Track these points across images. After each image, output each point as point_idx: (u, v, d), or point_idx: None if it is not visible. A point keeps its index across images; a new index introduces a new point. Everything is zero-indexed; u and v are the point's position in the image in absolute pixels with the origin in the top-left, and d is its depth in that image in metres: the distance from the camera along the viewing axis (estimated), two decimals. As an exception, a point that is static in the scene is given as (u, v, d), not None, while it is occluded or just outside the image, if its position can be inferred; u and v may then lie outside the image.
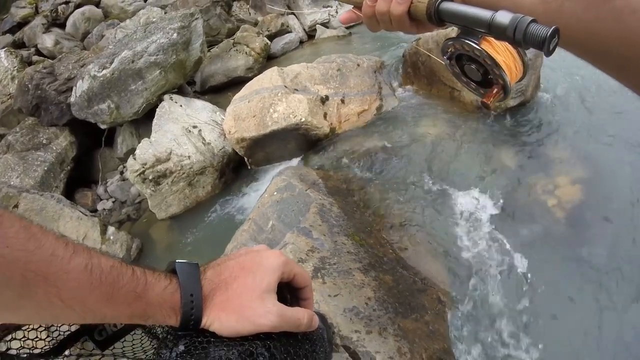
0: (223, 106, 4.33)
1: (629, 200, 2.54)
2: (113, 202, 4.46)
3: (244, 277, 0.54)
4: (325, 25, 7.65)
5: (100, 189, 4.68)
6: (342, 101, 3.67)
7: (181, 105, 4.22)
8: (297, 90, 3.64)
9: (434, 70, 3.83)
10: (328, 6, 7.82)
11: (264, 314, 0.52)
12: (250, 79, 5.07)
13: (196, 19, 4.80)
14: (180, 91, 4.84)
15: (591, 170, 2.80)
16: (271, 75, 3.78)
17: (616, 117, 3.31)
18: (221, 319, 0.52)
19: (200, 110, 4.21)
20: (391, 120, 3.62)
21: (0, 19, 8.99)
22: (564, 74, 4.04)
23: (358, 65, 4.02)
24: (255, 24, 7.62)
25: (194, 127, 3.88)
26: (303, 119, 3.40)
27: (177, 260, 0.54)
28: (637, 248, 2.31)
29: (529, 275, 2.28)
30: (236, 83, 5.64)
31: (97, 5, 8.55)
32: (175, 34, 4.45)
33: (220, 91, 5.77)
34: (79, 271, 0.45)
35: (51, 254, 0.44)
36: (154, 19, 6.10)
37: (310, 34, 7.63)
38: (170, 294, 0.50)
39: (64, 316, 0.49)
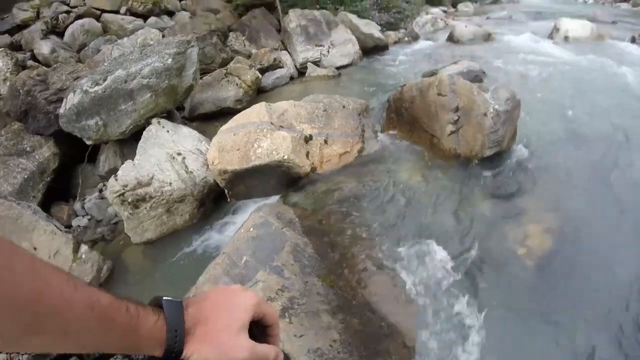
0: (209, 135, 4.35)
1: (597, 250, 2.65)
2: (89, 219, 4.39)
3: (222, 315, 0.61)
4: (317, 63, 7.85)
5: (77, 205, 4.62)
6: (326, 141, 3.75)
7: (168, 131, 4.23)
8: (282, 127, 3.71)
9: (416, 117, 3.96)
10: (320, 45, 8.04)
11: (238, 348, 0.59)
12: (239, 110, 5.14)
13: (192, 46, 4.86)
14: (169, 116, 4.85)
15: (562, 220, 2.90)
16: (259, 111, 3.85)
17: (589, 168, 3.48)
18: (200, 351, 0.58)
19: (186, 137, 4.23)
20: (371, 164, 3.71)
21: (1, 18, 8.94)
22: (540, 125, 4.23)
23: (344, 107, 4.13)
24: (249, 56, 7.75)
25: (179, 154, 3.89)
26: (286, 157, 3.45)
27: (163, 298, 0.59)
28: (604, 299, 2.39)
29: (496, 324, 2.33)
30: (224, 113, 5.71)
31: (98, 19, 8.62)
32: (170, 59, 4.50)
33: (208, 119, 5.82)
34: (83, 308, 0.49)
35: (58, 292, 0.47)
36: (151, 42, 6.16)
37: (301, 71, 7.81)
38: (159, 329, 0.56)
39: (66, 348, 0.52)
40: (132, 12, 9.06)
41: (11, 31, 8.39)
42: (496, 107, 3.39)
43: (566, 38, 9.09)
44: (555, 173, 3.43)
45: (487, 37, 9.68)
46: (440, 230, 2.84)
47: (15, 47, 7.81)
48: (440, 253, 2.69)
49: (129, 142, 4.60)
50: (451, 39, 9.91)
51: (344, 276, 2.51)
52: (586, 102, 4.92)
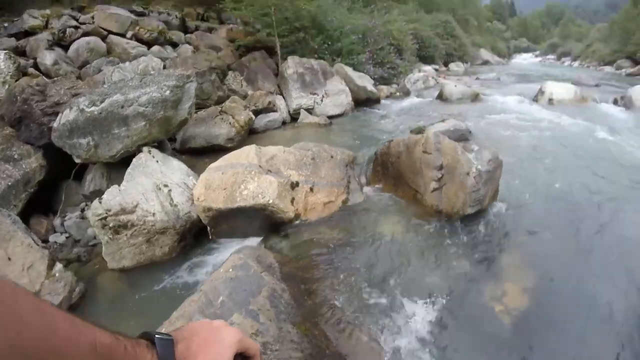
0: (197, 170, 4.39)
1: (574, 309, 2.69)
2: (67, 237, 4.34)
3: (209, 352, 0.67)
4: (309, 111, 8.06)
5: (57, 221, 4.57)
6: (311, 189, 3.84)
7: (157, 161, 4.28)
8: (270, 171, 3.79)
9: (401, 172, 4.07)
10: (315, 94, 8.28)
11: None
12: (229, 149, 5.23)
13: (191, 81, 4.97)
14: (160, 146, 4.91)
15: (539, 279, 2.94)
16: (248, 153, 3.94)
17: (568, 229, 3.56)
18: None
19: (175, 170, 4.27)
20: (355, 215, 3.77)
21: (11, 21, 9.04)
22: (522, 185, 4.34)
23: (332, 157, 4.24)
24: (245, 96, 7.93)
25: (165, 185, 3.92)
26: (271, 201, 3.51)
27: (156, 336, 0.64)
28: (581, 357, 2.41)
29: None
30: (215, 150, 5.80)
31: (104, 39, 8.74)
32: (168, 91, 4.59)
33: (198, 154, 5.89)
34: (86, 350, 0.52)
35: (63, 335, 0.50)
36: (153, 71, 6.26)
37: (294, 117, 8.00)
38: None
39: None
40: (137, 38, 9.24)
41: (18, 36, 8.45)
42: (479, 167, 3.49)
43: (550, 100, 9.43)
44: (535, 233, 3.51)
45: (475, 97, 10.04)
46: (419, 285, 2.87)
47: (20, 52, 7.83)
48: (417, 308, 2.72)
49: (117, 167, 4.61)
50: (441, 97, 10.26)
51: (319, 325, 2.53)
52: (567, 163, 5.11)
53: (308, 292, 2.77)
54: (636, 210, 3.87)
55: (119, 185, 3.79)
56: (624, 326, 2.59)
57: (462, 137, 5.89)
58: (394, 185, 4.20)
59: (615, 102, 9.51)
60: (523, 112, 8.34)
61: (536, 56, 66.44)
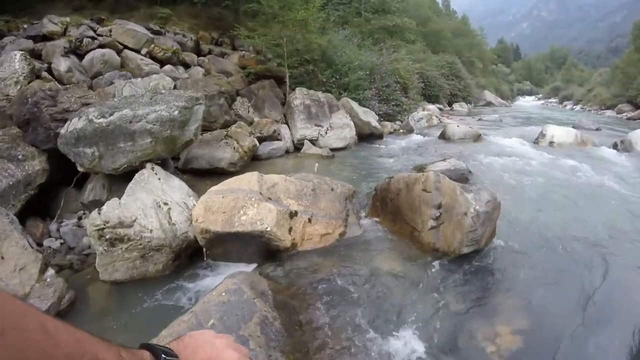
0: (198, 191, 4.44)
1: (565, 354, 2.68)
2: (61, 243, 4.35)
3: None
4: (313, 142, 8.17)
5: (53, 226, 4.59)
6: (310, 220, 3.87)
7: (160, 179, 4.32)
8: (270, 199, 3.84)
9: (400, 208, 4.11)
10: (320, 126, 8.41)
11: None
12: (231, 173, 5.30)
13: (200, 104, 5.06)
14: (164, 163, 4.96)
15: (533, 321, 2.93)
16: (250, 179, 3.99)
17: (564, 273, 3.56)
18: None
19: (176, 189, 4.31)
20: (351, 249, 3.79)
21: (31, 23, 9.28)
22: (519, 226, 4.37)
23: (332, 189, 4.29)
24: (251, 123, 8.05)
25: (165, 203, 3.95)
26: (269, 229, 3.55)
27: (163, 356, 0.64)
28: None
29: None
30: (217, 173, 5.88)
31: (119, 53, 8.97)
32: (176, 112, 4.67)
33: (200, 175, 5.96)
34: None
35: (67, 354, 0.49)
36: (164, 90, 6.37)
37: (297, 146, 8.11)
38: None
39: None
40: (151, 56, 9.47)
41: (36, 39, 8.65)
42: (477, 207, 3.52)
43: (551, 143, 9.56)
44: (530, 274, 3.51)
45: (477, 138, 10.17)
46: (411, 322, 2.86)
47: (36, 55, 8.01)
48: (409, 345, 2.71)
49: (119, 180, 4.65)
50: (443, 136, 10.39)
51: (308, 356, 2.52)
52: (565, 207, 5.16)
53: (299, 322, 2.78)
54: (631, 256, 3.89)
55: (119, 199, 3.83)
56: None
57: (462, 177, 5.98)
58: (392, 222, 4.23)
59: (615, 145, 9.66)
60: (523, 154, 8.46)
61: (539, 99, 67.60)
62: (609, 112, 30.99)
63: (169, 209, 3.91)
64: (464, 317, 2.93)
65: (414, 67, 19.10)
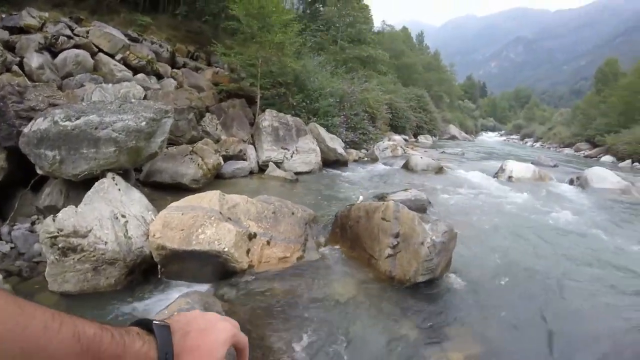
0: (158, 206, 4.37)
1: None
2: (11, 248, 4.17)
3: (205, 344, 0.66)
4: (278, 164, 8.22)
5: (4, 228, 4.41)
6: (268, 243, 3.90)
7: (120, 190, 4.25)
8: (230, 219, 3.84)
9: (359, 236, 4.18)
10: (286, 149, 8.48)
11: None
12: (193, 190, 5.26)
13: (168, 117, 5.04)
14: (125, 174, 4.89)
15: (486, 347, 2.99)
16: (211, 198, 3.97)
17: (516, 302, 3.67)
18: None
19: (135, 202, 4.24)
20: (307, 273, 3.81)
21: (9, 13, 9.02)
22: (475, 257, 4.49)
23: (293, 213, 4.34)
24: (217, 140, 8.04)
25: (123, 216, 3.87)
26: (226, 249, 3.54)
27: (153, 322, 0.64)
28: None
29: None
30: (178, 188, 5.81)
31: (93, 55, 8.81)
32: (144, 122, 4.63)
33: (161, 189, 5.88)
34: (69, 340, 0.51)
35: (44, 326, 0.48)
36: (133, 99, 6.28)
37: (262, 168, 8.15)
38: (145, 352, 0.59)
39: None
40: (125, 62, 9.37)
41: (12, 30, 8.43)
42: (433, 237, 3.63)
43: (510, 178, 9.94)
44: (484, 303, 3.60)
45: (439, 170, 10.46)
46: (365, 348, 2.87)
47: (10, 47, 7.81)
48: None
49: (78, 187, 4.55)
50: (406, 166, 10.63)
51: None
52: (520, 239, 5.34)
53: (253, 345, 2.77)
54: (581, 285, 4.07)
55: (76, 207, 3.72)
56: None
57: (421, 207, 6.11)
58: (350, 248, 4.29)
59: (571, 182, 10.19)
60: (483, 187, 8.77)
61: (501, 135, 70.55)
62: (567, 150, 32.77)
63: (127, 221, 3.82)
64: (417, 344, 2.98)
65: (383, 98, 19.56)
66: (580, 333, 3.26)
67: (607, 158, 24.40)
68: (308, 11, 25.67)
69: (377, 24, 39.02)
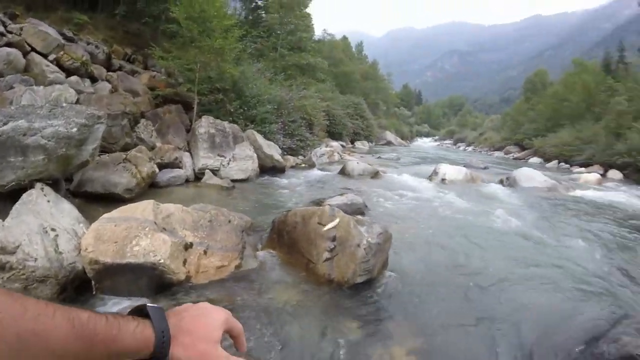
0: (90, 218, 4.18)
1: None
2: None
3: (200, 327, 0.69)
4: (215, 172, 8.19)
5: None
6: (205, 252, 3.87)
7: (49, 201, 4.07)
8: (165, 229, 3.78)
9: (296, 241, 4.25)
10: (222, 156, 8.45)
11: (216, 358, 0.67)
12: (126, 200, 5.14)
13: (101, 122, 4.90)
14: (55, 184, 4.69)
15: (427, 340, 3.12)
16: (145, 208, 3.87)
17: (452, 295, 3.87)
18: (183, 357, 0.66)
19: (65, 214, 4.05)
20: (247, 281, 3.82)
21: None
22: (411, 256, 4.70)
23: (229, 221, 4.35)
24: (152, 148, 7.86)
25: (53, 229, 3.65)
26: (162, 261, 3.47)
27: (147, 305, 0.66)
28: None
29: None
30: (111, 199, 5.62)
31: (25, 55, 8.31)
32: (75, 129, 4.48)
33: (93, 200, 5.65)
34: (63, 324, 0.53)
35: (38, 313, 0.50)
36: (65, 103, 6.00)
37: (198, 176, 8.09)
38: (140, 332, 0.62)
39: None
40: (59, 63, 8.91)
41: None
42: (369, 239, 3.80)
43: (443, 180, 10.50)
44: (420, 299, 3.75)
45: (375, 175, 10.83)
46: (308, 353, 2.92)
47: None
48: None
49: (4, 198, 4.29)
50: (343, 172, 10.92)
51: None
52: (454, 237, 5.62)
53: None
54: (513, 279, 4.31)
55: (3, 220, 3.50)
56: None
57: (358, 210, 6.32)
58: (288, 254, 4.34)
59: (501, 182, 10.97)
60: (417, 189, 9.18)
61: (435, 140, 73.87)
62: (497, 153, 35.08)
63: (57, 235, 3.61)
64: (360, 343, 3.06)
65: (321, 105, 19.91)
66: (512, 324, 3.43)
67: (535, 159, 26.35)
68: (250, 17, 25.60)
69: (318, 33, 39.64)
